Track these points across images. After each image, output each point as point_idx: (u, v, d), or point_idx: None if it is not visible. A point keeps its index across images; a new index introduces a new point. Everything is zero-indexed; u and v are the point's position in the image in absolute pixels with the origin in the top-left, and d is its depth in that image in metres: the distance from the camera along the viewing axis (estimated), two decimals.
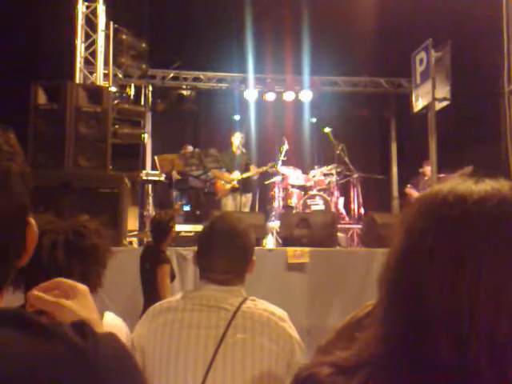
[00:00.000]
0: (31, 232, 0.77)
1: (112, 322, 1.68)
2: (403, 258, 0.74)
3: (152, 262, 4.09)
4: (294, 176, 8.42)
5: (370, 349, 0.74)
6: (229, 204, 8.10)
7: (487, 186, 0.73)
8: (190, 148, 8.84)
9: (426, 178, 7.96)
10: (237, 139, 8.34)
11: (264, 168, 8.22)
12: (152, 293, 3.95)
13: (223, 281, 1.83)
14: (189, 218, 8.12)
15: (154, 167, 9.42)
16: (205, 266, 1.86)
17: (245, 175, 8.11)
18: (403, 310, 0.72)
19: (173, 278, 4.21)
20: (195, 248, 1.92)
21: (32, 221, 0.77)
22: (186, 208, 7.69)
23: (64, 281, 0.93)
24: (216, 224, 1.87)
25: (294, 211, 7.84)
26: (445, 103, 5.47)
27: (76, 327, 0.67)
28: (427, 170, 8.03)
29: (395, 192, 10.42)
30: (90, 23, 7.29)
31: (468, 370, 0.67)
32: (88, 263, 1.60)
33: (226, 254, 1.83)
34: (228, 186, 8.12)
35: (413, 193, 8.06)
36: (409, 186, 8.37)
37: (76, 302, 0.90)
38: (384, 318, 0.75)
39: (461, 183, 0.75)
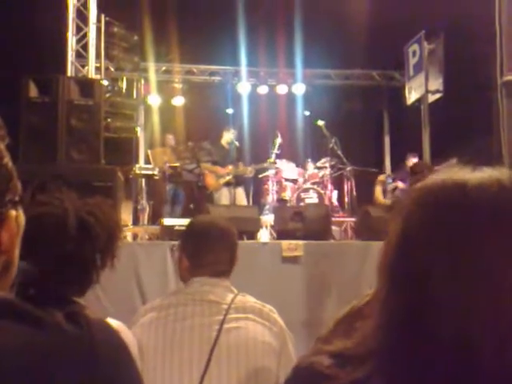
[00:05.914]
0: (7, 226, 0.69)
1: None
2: (403, 246, 0.73)
3: None
4: (288, 169, 8.41)
5: (371, 339, 0.73)
6: (223, 198, 8.03)
7: (485, 173, 0.73)
8: (171, 138, 8.84)
9: None
10: (230, 134, 8.29)
11: (262, 165, 8.16)
12: None
13: (214, 273, 1.87)
14: (183, 212, 8.10)
15: (147, 161, 9.39)
16: (196, 263, 1.90)
17: (240, 172, 8.02)
18: (403, 298, 0.72)
19: None
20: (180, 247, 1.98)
21: (12, 214, 0.70)
22: None
23: None
24: (201, 225, 2.00)
25: (288, 205, 7.84)
26: (438, 95, 5.49)
27: (68, 316, 0.66)
28: (412, 162, 8.00)
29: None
30: (82, 16, 7.22)
31: (473, 361, 0.66)
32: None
33: (216, 249, 1.90)
34: (221, 181, 8.04)
35: (400, 185, 7.99)
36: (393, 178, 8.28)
37: None
38: (384, 306, 0.74)
39: (458, 171, 0.75)
